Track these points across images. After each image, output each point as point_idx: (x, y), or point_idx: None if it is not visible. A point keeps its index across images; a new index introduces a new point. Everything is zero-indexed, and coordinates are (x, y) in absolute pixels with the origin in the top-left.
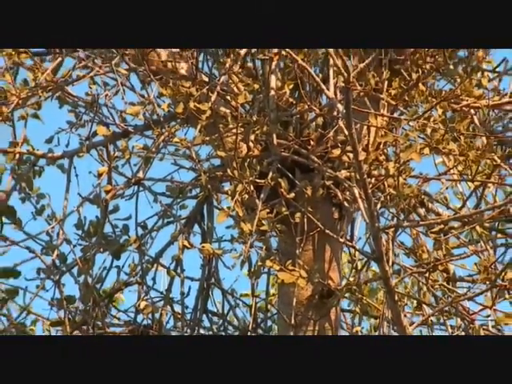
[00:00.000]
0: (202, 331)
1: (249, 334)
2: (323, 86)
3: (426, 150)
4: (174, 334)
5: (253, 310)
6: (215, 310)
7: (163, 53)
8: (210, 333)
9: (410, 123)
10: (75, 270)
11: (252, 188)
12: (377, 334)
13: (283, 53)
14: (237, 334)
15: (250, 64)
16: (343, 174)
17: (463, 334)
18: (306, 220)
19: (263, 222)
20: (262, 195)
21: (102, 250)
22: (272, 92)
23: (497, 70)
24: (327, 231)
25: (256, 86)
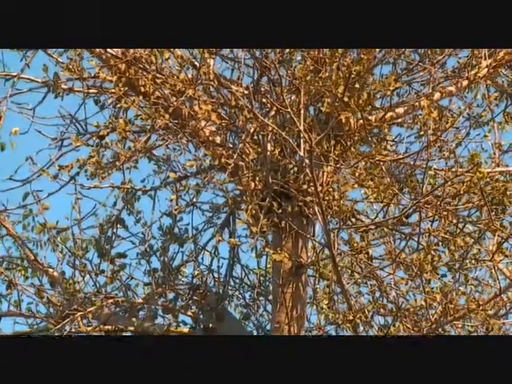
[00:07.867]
0: (229, 287)
1: (256, 290)
2: (297, 149)
3: (355, 186)
4: (214, 290)
5: (258, 275)
6: (237, 276)
7: (207, 131)
8: (235, 289)
9: (346, 170)
10: (158, 254)
11: (257, 207)
12: (328, 290)
13: (274, 131)
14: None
15: (255, 137)
16: (309, 199)
17: (377, 289)
18: (287, 225)
19: (264, 226)
20: (263, 211)
21: (173, 242)
22: (268, 153)
23: (395, 140)
24: (300, 231)
25: (259, 150)
